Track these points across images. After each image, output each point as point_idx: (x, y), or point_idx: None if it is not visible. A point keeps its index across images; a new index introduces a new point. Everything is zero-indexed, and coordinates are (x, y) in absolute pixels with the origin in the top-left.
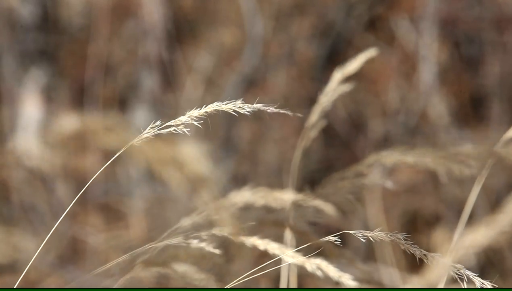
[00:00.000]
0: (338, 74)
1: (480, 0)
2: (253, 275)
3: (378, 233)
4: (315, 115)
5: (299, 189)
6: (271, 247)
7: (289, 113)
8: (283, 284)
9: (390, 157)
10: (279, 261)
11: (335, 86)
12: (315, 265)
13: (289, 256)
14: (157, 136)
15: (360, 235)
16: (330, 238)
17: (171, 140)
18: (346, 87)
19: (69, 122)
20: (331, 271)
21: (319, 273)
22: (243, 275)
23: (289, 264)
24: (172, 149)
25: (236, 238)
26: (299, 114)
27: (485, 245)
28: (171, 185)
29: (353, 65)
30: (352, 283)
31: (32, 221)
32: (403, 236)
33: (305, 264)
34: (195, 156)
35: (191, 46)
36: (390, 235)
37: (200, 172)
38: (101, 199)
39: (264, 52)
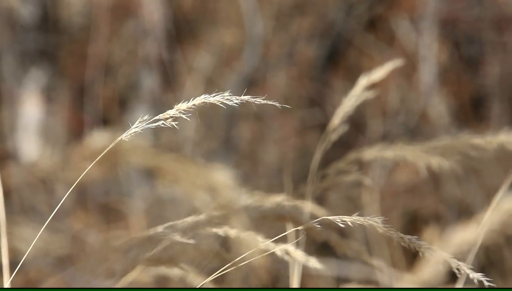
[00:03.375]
0: (364, 80)
1: (480, 0)
2: (224, 267)
3: (356, 218)
4: (337, 119)
5: (298, 189)
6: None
7: (277, 105)
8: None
9: (370, 152)
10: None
11: (360, 91)
12: (283, 250)
13: (261, 243)
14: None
15: (338, 221)
16: (310, 223)
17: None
18: (370, 94)
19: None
20: (299, 255)
21: (286, 258)
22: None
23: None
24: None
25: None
26: (287, 106)
27: (476, 242)
28: (203, 210)
29: (379, 72)
30: (318, 266)
31: (32, 221)
32: (381, 219)
33: (275, 250)
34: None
35: (191, 46)
36: (368, 219)
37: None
38: (101, 199)
39: (264, 52)
